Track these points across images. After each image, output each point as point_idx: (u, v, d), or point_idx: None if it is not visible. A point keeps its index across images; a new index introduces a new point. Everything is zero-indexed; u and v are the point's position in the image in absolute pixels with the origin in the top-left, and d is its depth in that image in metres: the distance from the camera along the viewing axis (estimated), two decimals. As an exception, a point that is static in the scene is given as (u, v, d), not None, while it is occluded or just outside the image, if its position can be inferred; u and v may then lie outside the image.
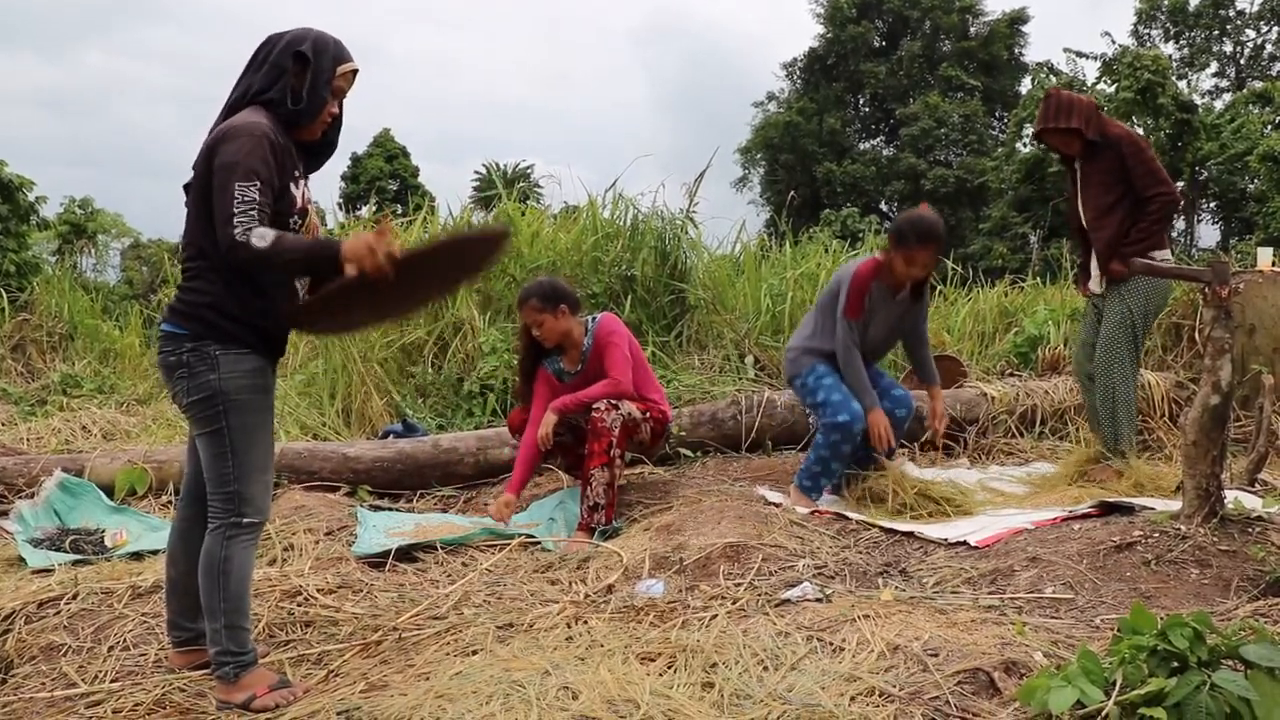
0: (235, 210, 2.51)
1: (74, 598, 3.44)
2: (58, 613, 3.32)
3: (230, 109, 2.72)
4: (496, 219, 8.43)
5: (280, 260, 2.58)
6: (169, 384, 2.75)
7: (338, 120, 2.88)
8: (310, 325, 2.97)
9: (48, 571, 3.89)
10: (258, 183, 2.55)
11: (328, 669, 2.90)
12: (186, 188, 2.75)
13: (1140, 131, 25.13)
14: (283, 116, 2.71)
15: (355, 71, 2.83)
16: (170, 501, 5.03)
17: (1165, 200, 4.72)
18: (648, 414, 4.64)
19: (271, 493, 2.89)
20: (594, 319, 4.72)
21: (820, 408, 4.68)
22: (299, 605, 3.42)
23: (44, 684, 2.87)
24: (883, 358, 4.85)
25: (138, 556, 4.15)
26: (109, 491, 4.99)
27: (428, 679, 2.71)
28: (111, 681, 2.85)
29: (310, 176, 2.91)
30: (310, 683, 2.80)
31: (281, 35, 2.75)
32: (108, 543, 4.33)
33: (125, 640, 3.13)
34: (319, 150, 2.91)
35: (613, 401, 4.47)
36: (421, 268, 2.74)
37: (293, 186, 2.70)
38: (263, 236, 2.53)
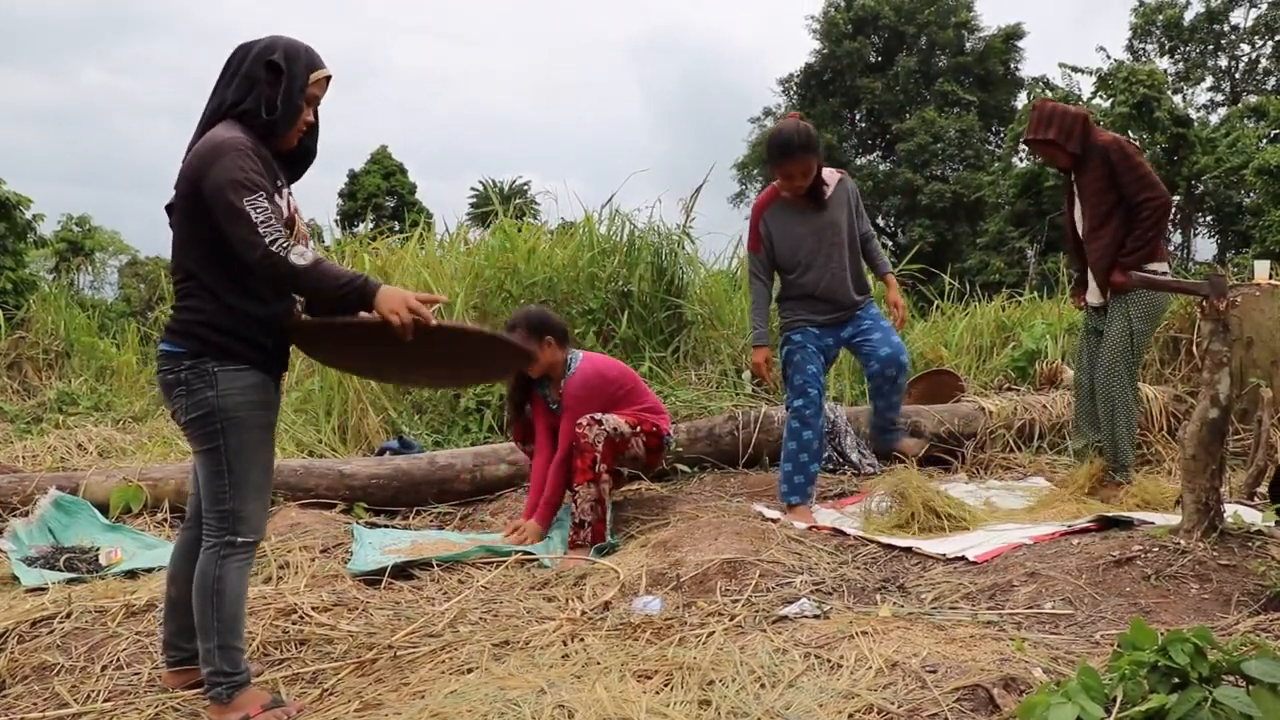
0: (258, 223, 2.50)
1: (67, 616, 3.42)
2: (51, 632, 3.30)
3: (205, 125, 2.70)
4: (495, 235, 8.42)
5: (313, 284, 2.57)
6: (168, 402, 2.74)
7: (314, 128, 2.86)
8: (307, 344, 2.94)
9: (41, 590, 3.87)
10: (261, 193, 2.54)
11: (322, 688, 2.88)
12: (169, 209, 2.73)
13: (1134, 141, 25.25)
14: (258, 128, 2.68)
15: (329, 78, 2.81)
16: (165, 519, 5.02)
17: (1156, 205, 4.62)
18: (638, 428, 4.60)
19: (268, 512, 2.87)
20: (574, 360, 4.64)
21: (785, 385, 4.74)
22: (294, 623, 3.40)
23: (36, 704, 2.85)
24: (846, 268, 4.67)
25: (132, 575, 4.13)
26: (104, 509, 4.97)
27: (423, 698, 2.69)
28: (104, 701, 2.84)
29: (294, 188, 2.89)
30: (304, 702, 2.78)
31: (250, 46, 2.72)
32: (102, 561, 4.31)
33: (119, 659, 3.11)
34: (298, 159, 2.89)
35: (595, 417, 4.45)
36: (443, 346, 2.73)
37: (277, 198, 2.68)
38: (302, 255, 2.53)
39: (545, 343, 4.49)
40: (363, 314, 2.64)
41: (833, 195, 4.66)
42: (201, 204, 2.58)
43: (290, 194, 2.81)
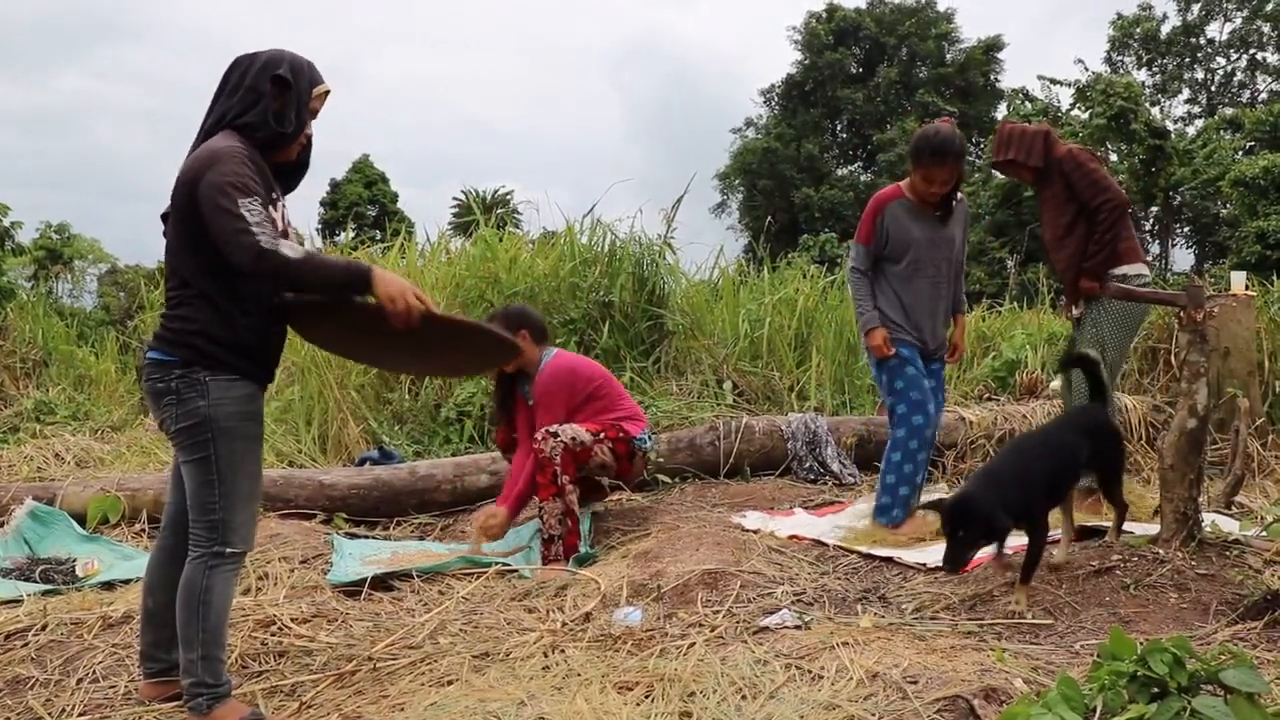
0: (250, 221, 2.50)
1: (43, 629, 3.38)
2: (26, 645, 3.26)
3: (206, 134, 2.71)
4: (476, 244, 8.40)
5: (309, 273, 2.57)
6: (157, 411, 2.72)
7: (309, 141, 2.89)
8: (304, 323, 2.92)
9: (16, 602, 3.82)
10: (256, 198, 2.55)
11: (301, 700, 2.85)
12: (164, 217, 2.74)
13: (1113, 156, 25.40)
14: (260, 140, 2.70)
15: (328, 92, 2.84)
16: (143, 530, 4.98)
17: (1111, 206, 4.66)
18: (600, 434, 4.53)
19: (256, 522, 2.86)
20: (546, 357, 4.63)
21: (896, 398, 4.52)
22: (273, 635, 3.37)
23: (10, 718, 2.81)
24: (948, 291, 4.59)
25: (109, 586, 4.09)
26: (81, 520, 4.92)
27: (403, 710, 2.68)
28: (80, 715, 2.80)
29: (286, 199, 2.90)
30: (283, 715, 2.76)
31: (254, 58, 2.74)
32: (79, 572, 4.27)
33: (95, 672, 3.07)
34: (293, 172, 2.91)
35: (550, 430, 4.40)
36: (436, 337, 2.73)
37: (271, 209, 2.68)
38: (293, 248, 2.54)
39: (520, 336, 4.44)
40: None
41: (955, 212, 4.57)
42: (197, 211, 2.58)
43: (284, 206, 2.82)
